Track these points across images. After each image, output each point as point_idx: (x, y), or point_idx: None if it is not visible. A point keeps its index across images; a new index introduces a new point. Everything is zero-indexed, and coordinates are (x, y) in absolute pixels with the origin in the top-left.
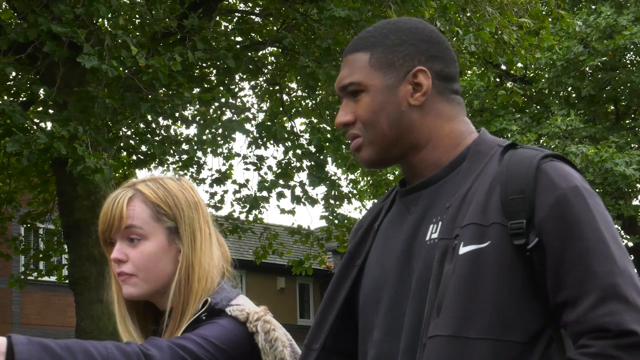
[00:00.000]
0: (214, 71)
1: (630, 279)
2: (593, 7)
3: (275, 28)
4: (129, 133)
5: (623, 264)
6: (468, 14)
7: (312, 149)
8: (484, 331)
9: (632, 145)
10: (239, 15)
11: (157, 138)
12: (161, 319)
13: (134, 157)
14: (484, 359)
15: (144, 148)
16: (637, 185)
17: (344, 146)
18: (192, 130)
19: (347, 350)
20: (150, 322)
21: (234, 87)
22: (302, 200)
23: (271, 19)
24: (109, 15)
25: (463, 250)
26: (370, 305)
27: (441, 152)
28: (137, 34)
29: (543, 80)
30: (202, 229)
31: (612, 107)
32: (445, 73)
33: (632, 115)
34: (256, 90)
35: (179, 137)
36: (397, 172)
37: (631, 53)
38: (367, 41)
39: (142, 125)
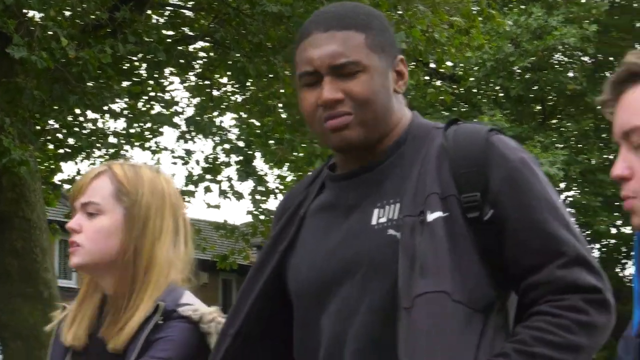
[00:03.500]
0: (144, 65)
1: (586, 244)
2: (523, 7)
3: (207, 22)
4: (56, 126)
5: (575, 228)
6: (400, 12)
7: (241, 143)
8: (458, 295)
9: (558, 145)
10: (171, 9)
11: (84, 131)
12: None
13: (61, 150)
14: (460, 322)
15: (71, 141)
16: (561, 184)
17: (272, 141)
18: (121, 124)
19: (269, 335)
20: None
21: (163, 80)
22: (229, 195)
23: (203, 13)
24: (40, 7)
25: (431, 217)
26: (311, 293)
27: (390, 138)
28: (68, 26)
29: (472, 79)
30: (163, 219)
31: (539, 107)
32: None
33: (559, 116)
34: (186, 85)
35: (107, 131)
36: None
37: (559, 54)
38: (356, 21)
39: (69, 118)
